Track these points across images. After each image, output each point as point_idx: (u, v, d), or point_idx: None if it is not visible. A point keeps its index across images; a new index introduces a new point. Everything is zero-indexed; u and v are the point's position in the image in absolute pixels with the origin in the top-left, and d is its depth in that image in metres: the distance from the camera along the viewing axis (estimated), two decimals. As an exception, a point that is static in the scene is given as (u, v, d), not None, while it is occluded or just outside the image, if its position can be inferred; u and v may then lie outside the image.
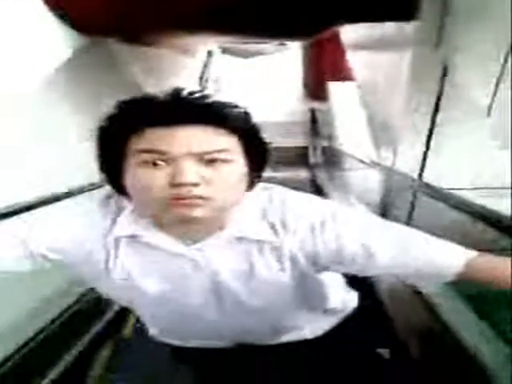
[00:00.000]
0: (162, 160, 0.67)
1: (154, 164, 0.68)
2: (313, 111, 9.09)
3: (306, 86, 9.79)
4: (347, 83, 5.87)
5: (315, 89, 8.61)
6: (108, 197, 0.83)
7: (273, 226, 0.77)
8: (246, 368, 1.05)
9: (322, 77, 7.75)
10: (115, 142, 0.71)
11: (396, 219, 3.95)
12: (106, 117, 0.72)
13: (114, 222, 0.79)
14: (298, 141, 9.14)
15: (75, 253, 0.79)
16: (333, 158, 6.71)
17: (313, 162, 8.21)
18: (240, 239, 0.78)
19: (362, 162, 4.71)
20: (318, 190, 6.18)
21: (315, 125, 8.80)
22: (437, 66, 2.68)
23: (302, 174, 8.08)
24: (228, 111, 0.70)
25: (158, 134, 0.68)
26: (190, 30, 3.60)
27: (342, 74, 6.28)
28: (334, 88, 7.01)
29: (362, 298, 1.12)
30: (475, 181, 2.79)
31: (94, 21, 2.68)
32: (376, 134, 3.90)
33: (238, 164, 0.71)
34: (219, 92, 9.12)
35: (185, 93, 0.70)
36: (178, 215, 0.69)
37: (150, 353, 1.06)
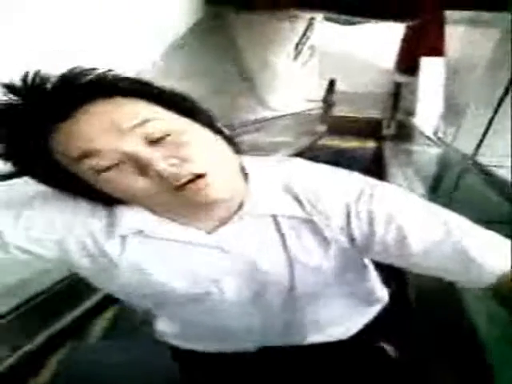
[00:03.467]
0: (107, 159, 0.53)
1: (108, 168, 0.53)
2: (398, 85, 8.92)
3: (398, 59, 9.55)
4: (438, 59, 5.78)
5: (407, 62, 8.41)
6: None
7: (299, 201, 0.64)
8: (272, 375, 0.93)
9: (416, 51, 7.57)
10: (40, 159, 0.55)
11: (443, 194, 4.06)
12: None
13: (111, 215, 0.64)
14: (372, 112, 9.10)
15: (64, 250, 0.65)
16: (403, 132, 6.71)
17: (384, 134, 8.20)
18: (266, 216, 0.65)
19: (428, 138, 4.77)
20: (380, 161, 6.29)
21: (397, 98, 8.68)
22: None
23: (370, 144, 8.13)
24: (119, 79, 0.56)
25: (68, 134, 0.53)
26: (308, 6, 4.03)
27: (436, 50, 6.16)
28: (426, 63, 6.89)
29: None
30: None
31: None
32: (448, 109, 3.98)
33: (188, 129, 0.56)
34: (312, 59, 9.11)
35: (66, 74, 0.54)
36: (192, 202, 0.57)
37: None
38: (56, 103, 0.53)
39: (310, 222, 0.65)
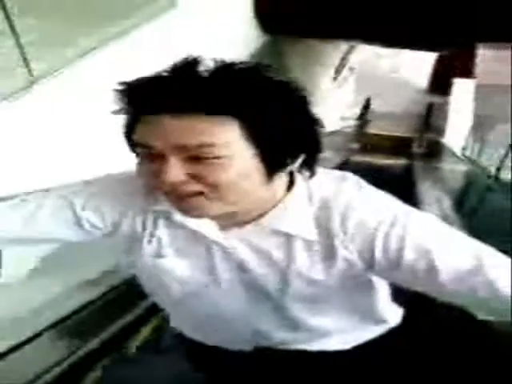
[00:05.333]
0: (153, 154, 0.58)
1: (147, 157, 0.59)
2: (430, 104, 9.09)
3: (431, 79, 9.76)
4: (469, 80, 5.97)
5: (439, 83, 8.59)
6: None
7: (326, 224, 0.65)
8: (267, 376, 0.95)
9: (448, 72, 7.75)
10: (128, 134, 0.62)
11: (469, 209, 4.19)
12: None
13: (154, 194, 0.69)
14: (404, 130, 9.29)
15: (118, 220, 0.73)
16: (433, 151, 6.86)
17: (415, 152, 8.35)
18: (280, 233, 0.68)
19: (455, 156, 4.94)
20: (410, 177, 6.46)
21: (428, 118, 8.84)
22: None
23: (401, 161, 8.29)
24: (224, 93, 0.54)
25: (145, 124, 0.58)
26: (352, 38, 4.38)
27: (467, 71, 6.35)
28: (457, 84, 7.07)
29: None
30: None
31: (286, 21, 3.50)
32: (475, 127, 4.17)
33: (237, 158, 0.57)
34: (347, 80, 9.43)
35: (180, 72, 0.56)
36: (182, 213, 0.63)
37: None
38: (173, 97, 0.54)
39: (325, 245, 0.66)
